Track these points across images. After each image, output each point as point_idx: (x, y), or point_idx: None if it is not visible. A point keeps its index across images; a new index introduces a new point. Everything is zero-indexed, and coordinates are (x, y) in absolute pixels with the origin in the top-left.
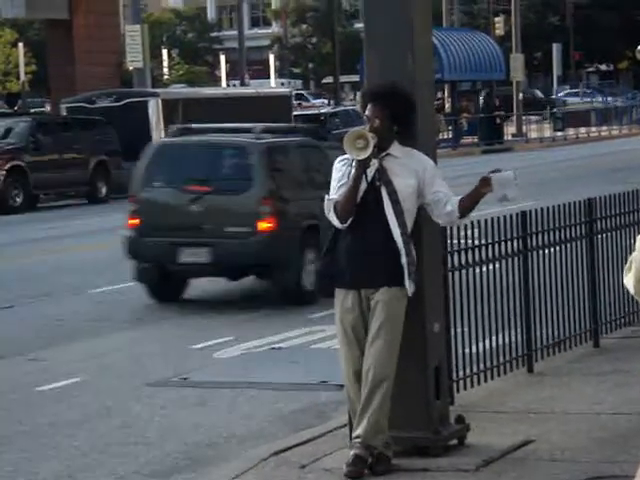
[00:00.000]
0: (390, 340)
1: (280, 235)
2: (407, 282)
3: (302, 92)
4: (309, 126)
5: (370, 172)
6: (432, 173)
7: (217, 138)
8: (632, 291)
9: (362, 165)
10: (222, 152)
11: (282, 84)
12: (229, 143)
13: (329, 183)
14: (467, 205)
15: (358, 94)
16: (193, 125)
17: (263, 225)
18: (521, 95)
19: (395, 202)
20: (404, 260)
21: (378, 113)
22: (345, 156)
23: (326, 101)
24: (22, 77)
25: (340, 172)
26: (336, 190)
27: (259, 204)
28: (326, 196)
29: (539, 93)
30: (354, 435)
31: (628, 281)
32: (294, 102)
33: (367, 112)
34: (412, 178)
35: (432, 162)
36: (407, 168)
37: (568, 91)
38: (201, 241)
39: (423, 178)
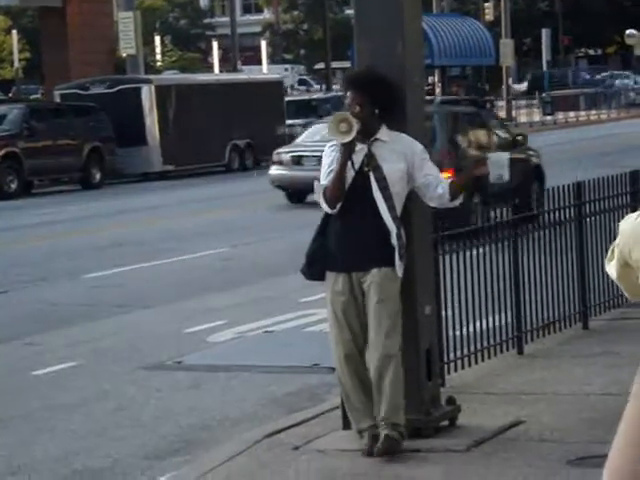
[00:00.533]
0: (389, 318)
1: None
2: (397, 263)
3: (305, 77)
4: (471, 97)
5: (359, 157)
6: (422, 156)
7: None
8: (614, 277)
9: (347, 149)
10: None
11: (286, 70)
12: None
13: (490, 141)
14: (458, 187)
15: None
16: None
17: (444, 175)
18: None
19: (384, 188)
20: (395, 242)
21: (358, 99)
22: (334, 142)
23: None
24: (16, 64)
25: (330, 157)
26: (326, 176)
27: (442, 157)
28: (315, 181)
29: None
30: (379, 418)
31: (610, 268)
32: (299, 87)
33: (347, 99)
34: (401, 162)
35: (421, 146)
36: (396, 152)
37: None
38: None
39: (412, 162)
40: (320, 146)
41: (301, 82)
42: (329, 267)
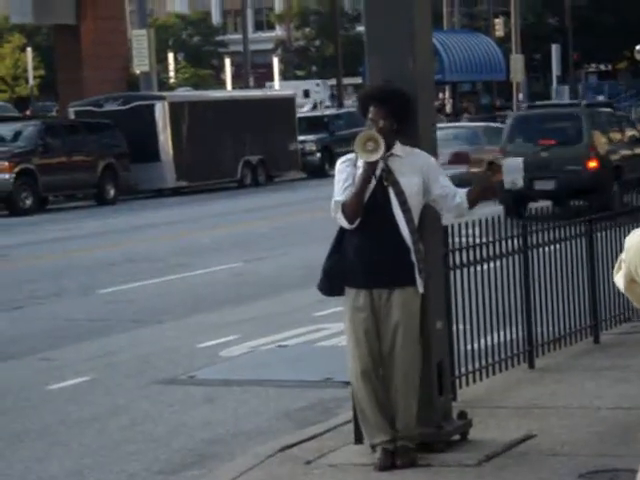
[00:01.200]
0: (411, 335)
1: (600, 171)
2: (418, 280)
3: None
4: (608, 101)
5: (376, 172)
6: (436, 169)
7: (559, 109)
8: (622, 289)
9: (371, 167)
10: (562, 118)
11: (317, 85)
12: (567, 113)
13: (630, 136)
14: (475, 196)
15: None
16: (537, 102)
17: (591, 164)
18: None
19: (403, 202)
20: (413, 257)
21: (382, 114)
22: (347, 157)
23: None
24: (31, 81)
25: (344, 173)
26: (342, 192)
27: (587, 151)
28: (333, 198)
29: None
30: (397, 432)
31: (618, 280)
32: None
33: (371, 114)
34: (417, 176)
35: (434, 159)
36: (411, 166)
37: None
38: (549, 175)
39: (427, 175)
40: None
41: (332, 97)
42: (349, 283)
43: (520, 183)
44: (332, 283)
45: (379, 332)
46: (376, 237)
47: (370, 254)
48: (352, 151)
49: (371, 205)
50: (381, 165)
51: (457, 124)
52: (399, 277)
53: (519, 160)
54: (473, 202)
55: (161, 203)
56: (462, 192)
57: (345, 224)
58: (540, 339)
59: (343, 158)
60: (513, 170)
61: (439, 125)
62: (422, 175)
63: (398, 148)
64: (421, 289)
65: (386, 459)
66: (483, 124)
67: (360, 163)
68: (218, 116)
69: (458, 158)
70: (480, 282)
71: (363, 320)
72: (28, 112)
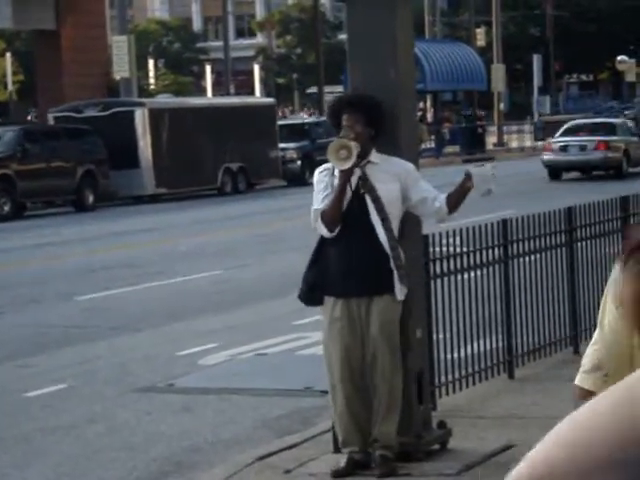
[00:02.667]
0: (390, 343)
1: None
2: (397, 287)
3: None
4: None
5: (353, 180)
6: (414, 175)
7: (604, 120)
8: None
9: (346, 174)
10: (602, 124)
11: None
12: (608, 122)
13: None
14: (454, 200)
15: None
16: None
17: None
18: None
19: (380, 209)
20: (392, 265)
21: (358, 120)
22: (325, 166)
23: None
24: (10, 87)
25: (323, 183)
26: (321, 201)
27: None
28: (312, 207)
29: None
30: (372, 439)
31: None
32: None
33: (345, 122)
34: (395, 182)
35: (412, 165)
36: (388, 173)
37: None
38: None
39: (406, 181)
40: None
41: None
42: (327, 292)
43: (492, 191)
44: (313, 293)
45: (358, 341)
46: (354, 245)
47: (348, 262)
48: None
49: (349, 213)
50: (358, 173)
51: (599, 120)
52: (378, 285)
53: (488, 168)
54: (453, 207)
55: (140, 210)
56: (442, 197)
57: (325, 232)
58: (520, 349)
59: (321, 168)
60: (484, 179)
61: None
62: (400, 181)
63: (375, 155)
64: (400, 296)
65: (346, 467)
66: (620, 120)
67: (337, 172)
68: (198, 123)
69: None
70: (460, 291)
71: (341, 329)
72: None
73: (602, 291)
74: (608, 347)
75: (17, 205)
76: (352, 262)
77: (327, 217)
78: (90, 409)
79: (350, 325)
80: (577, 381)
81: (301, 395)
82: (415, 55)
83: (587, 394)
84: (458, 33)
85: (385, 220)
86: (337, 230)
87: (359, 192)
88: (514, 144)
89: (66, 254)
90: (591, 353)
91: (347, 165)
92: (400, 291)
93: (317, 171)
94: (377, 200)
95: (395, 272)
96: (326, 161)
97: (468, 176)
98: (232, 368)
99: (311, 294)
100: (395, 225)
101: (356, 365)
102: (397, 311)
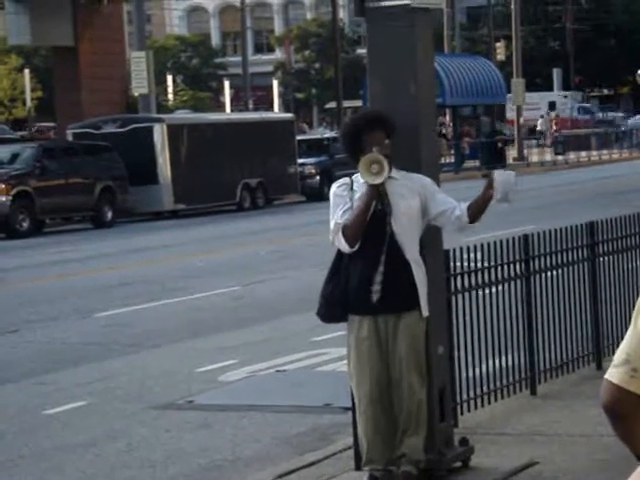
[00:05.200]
0: (417, 360)
1: None
2: (422, 303)
3: (586, 105)
4: None
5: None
6: (431, 189)
7: None
8: None
9: (375, 189)
10: None
11: (565, 97)
12: None
13: None
14: (475, 209)
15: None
16: None
17: None
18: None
19: (402, 224)
20: (417, 280)
21: (383, 136)
22: (342, 181)
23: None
24: (28, 103)
25: (341, 197)
26: (340, 215)
27: None
28: (332, 221)
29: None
30: (399, 454)
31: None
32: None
33: (371, 140)
34: (415, 197)
35: (429, 179)
36: (408, 188)
37: None
38: None
39: (425, 194)
40: None
41: (584, 110)
42: (352, 310)
43: (511, 198)
44: (332, 309)
45: (384, 360)
46: (377, 261)
47: (372, 279)
48: (350, 174)
49: (371, 228)
50: (380, 188)
51: None
52: (405, 301)
53: (511, 173)
54: (474, 216)
55: (159, 226)
56: (463, 206)
57: (345, 247)
58: (542, 365)
59: (339, 182)
60: (505, 185)
61: None
62: (419, 196)
63: (394, 171)
64: (425, 312)
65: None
66: None
67: (356, 187)
68: (217, 139)
69: None
70: (482, 307)
71: (368, 347)
72: (28, 133)
73: (625, 306)
74: (638, 342)
75: (36, 222)
76: (377, 279)
77: (350, 232)
78: (109, 426)
79: (378, 344)
80: (607, 374)
81: (321, 412)
82: (434, 69)
83: (614, 388)
84: (477, 47)
85: (407, 234)
86: (357, 246)
87: (381, 207)
88: (534, 158)
89: (85, 270)
90: (622, 347)
91: (379, 180)
92: (425, 307)
93: (334, 185)
94: (399, 216)
95: (419, 288)
96: (344, 176)
97: (490, 183)
98: (252, 385)
99: (330, 311)
100: (417, 240)
101: (384, 384)
102: (423, 327)
